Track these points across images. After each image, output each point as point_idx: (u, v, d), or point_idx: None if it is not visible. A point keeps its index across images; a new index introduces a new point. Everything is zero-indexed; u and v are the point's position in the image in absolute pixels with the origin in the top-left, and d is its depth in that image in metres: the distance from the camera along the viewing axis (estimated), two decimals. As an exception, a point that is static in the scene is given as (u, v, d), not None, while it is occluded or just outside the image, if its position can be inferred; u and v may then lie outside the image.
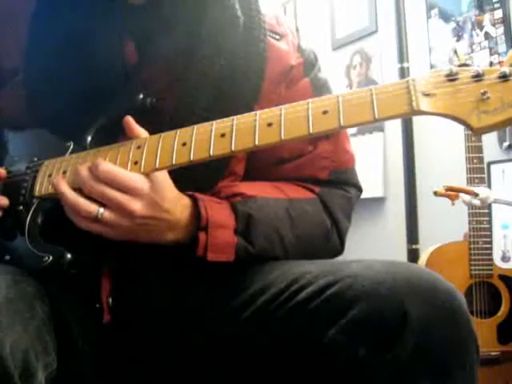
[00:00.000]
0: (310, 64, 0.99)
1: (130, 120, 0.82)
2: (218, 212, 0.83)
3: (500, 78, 0.63)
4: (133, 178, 0.78)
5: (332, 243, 0.94)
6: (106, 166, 0.78)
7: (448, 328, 0.69)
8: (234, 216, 0.84)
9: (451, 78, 0.65)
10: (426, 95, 0.65)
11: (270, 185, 0.93)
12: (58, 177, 0.83)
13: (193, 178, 0.85)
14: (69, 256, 0.81)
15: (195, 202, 0.83)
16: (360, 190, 1.01)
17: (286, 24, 1.00)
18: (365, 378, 0.70)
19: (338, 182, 0.97)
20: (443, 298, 0.70)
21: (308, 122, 0.70)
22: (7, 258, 0.85)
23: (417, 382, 0.69)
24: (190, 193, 0.84)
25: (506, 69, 0.63)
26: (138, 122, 0.84)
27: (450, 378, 0.69)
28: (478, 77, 0.64)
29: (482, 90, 0.63)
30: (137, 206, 0.77)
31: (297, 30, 1.02)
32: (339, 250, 0.96)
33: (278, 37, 0.96)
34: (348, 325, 0.71)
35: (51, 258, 0.81)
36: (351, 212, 0.99)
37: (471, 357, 0.70)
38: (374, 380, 0.70)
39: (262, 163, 0.96)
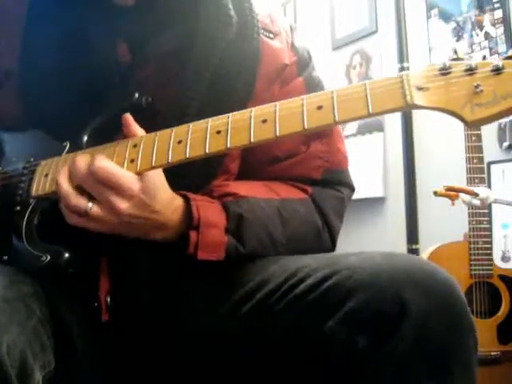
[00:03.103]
0: (303, 63, 0.99)
1: (128, 118, 0.82)
2: (210, 211, 0.83)
3: (493, 71, 0.63)
4: (125, 178, 0.77)
5: (323, 243, 0.95)
6: (102, 162, 0.78)
7: (447, 318, 0.69)
8: (225, 215, 0.84)
9: (444, 71, 0.65)
10: (420, 89, 0.65)
11: (263, 184, 0.93)
12: (63, 168, 0.82)
13: (187, 175, 0.85)
14: (67, 255, 0.81)
15: (187, 201, 0.83)
16: (353, 189, 1.01)
17: (280, 22, 1.00)
18: (364, 369, 0.70)
19: (330, 181, 0.97)
20: (442, 288, 0.71)
21: (303, 117, 0.69)
22: (5, 258, 0.85)
23: (416, 372, 0.69)
24: (183, 192, 0.84)
25: (498, 62, 0.63)
26: (134, 121, 0.84)
27: (450, 367, 0.69)
28: (470, 70, 0.64)
29: (475, 83, 0.63)
30: (124, 205, 0.77)
31: (291, 28, 1.02)
32: (330, 249, 0.97)
33: (271, 35, 0.96)
34: (346, 316, 0.71)
35: (49, 257, 0.81)
36: (343, 212, 0.99)
37: (470, 346, 0.71)
38: (373, 371, 0.70)
39: (256, 162, 0.96)
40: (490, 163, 2.06)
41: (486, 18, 2.16)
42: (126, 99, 0.87)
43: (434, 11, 2.36)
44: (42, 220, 0.86)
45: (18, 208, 0.87)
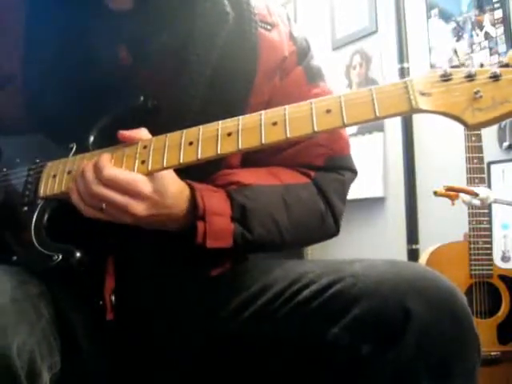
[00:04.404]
0: (302, 52, 0.99)
1: (124, 132, 0.83)
2: (215, 200, 0.84)
3: (491, 77, 0.67)
4: (136, 181, 0.79)
5: (326, 225, 0.95)
6: (111, 170, 0.79)
7: (450, 327, 0.70)
8: (229, 204, 0.85)
9: (445, 78, 0.69)
10: (423, 94, 0.68)
11: (266, 171, 0.94)
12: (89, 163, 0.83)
13: (188, 170, 0.84)
14: (78, 254, 0.81)
15: (192, 191, 0.84)
16: (355, 172, 1.02)
17: (278, 13, 1.00)
18: (367, 376, 0.71)
19: (333, 167, 0.98)
20: (445, 297, 0.71)
21: (312, 120, 0.71)
22: (14, 258, 0.86)
23: (418, 380, 0.69)
24: (189, 182, 0.85)
25: (496, 69, 0.67)
26: (138, 122, 0.84)
27: (452, 376, 0.70)
28: (470, 77, 0.68)
29: (475, 90, 0.66)
30: (139, 208, 0.79)
31: (288, 18, 1.01)
32: (334, 231, 0.97)
33: (269, 27, 0.96)
34: (350, 323, 0.72)
35: (60, 256, 0.81)
36: (345, 194, 1.00)
37: (473, 355, 0.71)
38: (376, 378, 0.71)
39: (259, 153, 0.95)
40: (489, 163, 2.06)
41: (486, 18, 2.16)
42: (131, 101, 0.87)
43: (434, 11, 2.36)
44: (50, 220, 0.86)
45: (26, 209, 0.87)
